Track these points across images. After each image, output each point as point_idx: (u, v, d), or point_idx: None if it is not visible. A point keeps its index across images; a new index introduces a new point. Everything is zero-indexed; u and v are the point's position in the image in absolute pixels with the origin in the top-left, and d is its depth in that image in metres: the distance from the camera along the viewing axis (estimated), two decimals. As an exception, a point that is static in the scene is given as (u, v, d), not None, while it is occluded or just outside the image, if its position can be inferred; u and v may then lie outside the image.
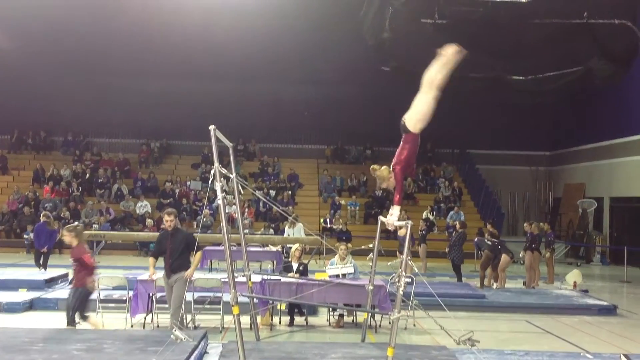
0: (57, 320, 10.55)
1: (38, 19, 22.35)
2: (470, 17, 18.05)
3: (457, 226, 16.66)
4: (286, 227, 19.65)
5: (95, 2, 21.82)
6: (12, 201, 23.81)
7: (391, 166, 7.45)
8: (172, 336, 7.07)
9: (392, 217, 7.42)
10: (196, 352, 7.43)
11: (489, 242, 15.31)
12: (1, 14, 22.65)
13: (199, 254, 9.25)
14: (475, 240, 16.60)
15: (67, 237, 8.69)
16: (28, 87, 25.60)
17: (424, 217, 22.38)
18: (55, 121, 27.47)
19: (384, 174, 7.54)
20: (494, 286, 14.91)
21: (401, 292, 6.70)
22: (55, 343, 7.55)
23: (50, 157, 27.46)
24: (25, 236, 21.18)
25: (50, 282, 13.23)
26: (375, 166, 7.79)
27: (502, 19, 17.79)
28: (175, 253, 9.10)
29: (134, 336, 8.12)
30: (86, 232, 15.60)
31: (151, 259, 9.66)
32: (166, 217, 9.32)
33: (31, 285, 12.78)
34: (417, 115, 7.40)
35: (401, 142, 7.50)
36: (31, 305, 11.64)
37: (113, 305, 10.87)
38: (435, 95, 7.41)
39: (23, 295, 11.93)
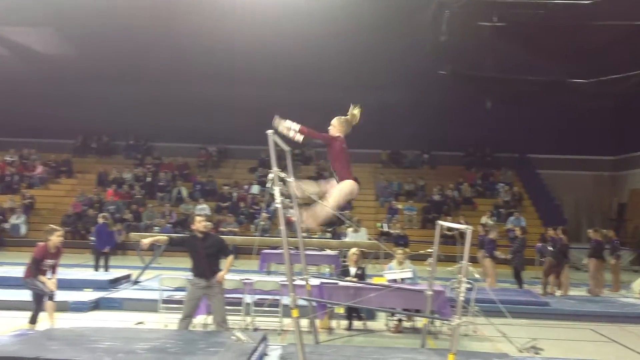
0: (121, 319, 10.86)
1: (102, 27, 22.96)
2: (530, 19, 17.82)
3: (518, 232, 16.38)
4: (350, 232, 19.33)
5: (155, 11, 22.29)
6: (76, 203, 24.52)
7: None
8: (233, 337, 7.15)
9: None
10: (256, 353, 7.51)
11: (551, 248, 15.02)
12: (66, 23, 23.42)
13: (231, 257, 9.24)
14: (538, 246, 16.30)
15: None
16: (93, 94, 26.34)
17: (482, 222, 22.05)
18: (118, 126, 28.19)
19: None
20: (557, 293, 14.60)
21: (462, 298, 6.64)
22: (120, 342, 7.73)
23: (113, 161, 28.20)
24: (91, 238, 21.74)
25: (114, 282, 13.59)
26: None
27: (563, 21, 17.47)
28: (211, 256, 8.95)
29: (196, 337, 8.25)
30: (148, 234, 15.96)
31: (165, 238, 9.37)
32: (200, 219, 9.09)
33: (96, 285, 13.15)
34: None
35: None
36: (96, 305, 11.97)
37: (175, 306, 11.06)
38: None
39: (88, 295, 12.28)
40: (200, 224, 9.03)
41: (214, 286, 8.91)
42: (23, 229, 23.42)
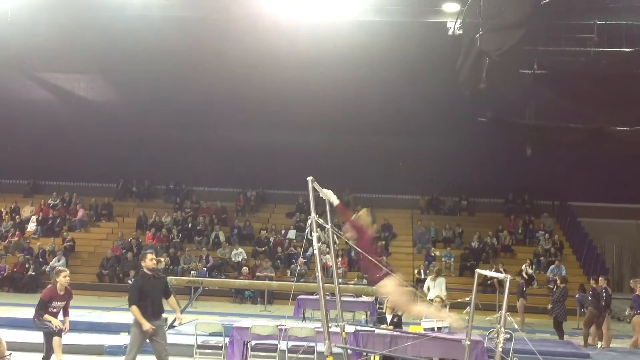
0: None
1: (144, 73, 23.61)
2: (571, 67, 17.70)
3: (558, 281, 16.04)
4: (428, 279, 18.57)
5: (195, 58, 22.85)
6: (116, 247, 24.80)
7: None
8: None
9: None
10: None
11: (591, 299, 14.64)
12: (111, 69, 24.13)
13: (173, 298, 9.42)
14: (577, 296, 15.93)
15: None
16: (133, 139, 26.87)
17: (522, 270, 21.67)
18: (158, 170, 28.62)
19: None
20: (599, 345, 14.18)
21: (500, 349, 6.49)
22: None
23: (153, 205, 28.51)
24: (129, 281, 21.94)
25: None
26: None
27: (605, 69, 17.33)
28: (158, 297, 8.86)
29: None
30: (185, 278, 16.02)
31: (136, 309, 8.72)
32: (151, 256, 8.99)
33: (132, 329, 13.16)
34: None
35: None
36: (132, 349, 11.96)
37: (209, 351, 11.01)
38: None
39: (124, 339, 12.27)
40: (151, 262, 8.96)
41: (158, 327, 8.85)
42: (63, 271, 23.70)
